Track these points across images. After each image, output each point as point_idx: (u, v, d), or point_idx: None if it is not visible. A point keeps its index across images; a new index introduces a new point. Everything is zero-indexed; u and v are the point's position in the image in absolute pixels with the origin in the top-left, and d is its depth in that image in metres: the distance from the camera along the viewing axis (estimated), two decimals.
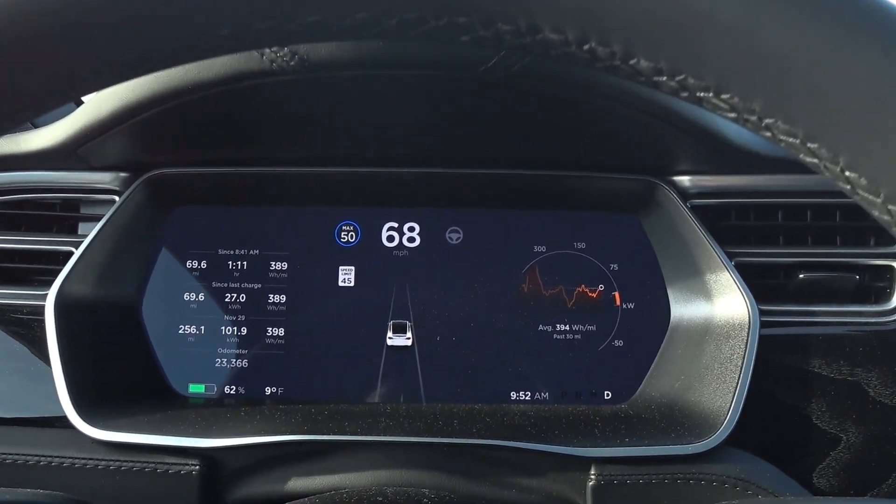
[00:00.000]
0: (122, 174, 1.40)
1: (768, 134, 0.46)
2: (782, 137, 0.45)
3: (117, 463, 1.24)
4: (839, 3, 0.42)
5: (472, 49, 1.06)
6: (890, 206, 0.44)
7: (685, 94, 0.46)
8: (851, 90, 0.41)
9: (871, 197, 0.44)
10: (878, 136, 0.42)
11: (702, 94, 0.45)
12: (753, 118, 0.45)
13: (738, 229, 1.39)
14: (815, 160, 0.45)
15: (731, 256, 1.33)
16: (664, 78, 0.45)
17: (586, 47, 0.45)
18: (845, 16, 0.42)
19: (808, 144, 0.44)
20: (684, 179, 1.38)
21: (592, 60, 0.46)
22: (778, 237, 1.39)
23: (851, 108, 0.42)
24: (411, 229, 1.46)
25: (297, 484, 1.27)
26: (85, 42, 0.46)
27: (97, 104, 1.23)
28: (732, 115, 0.46)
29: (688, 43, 0.43)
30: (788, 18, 0.42)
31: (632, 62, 0.45)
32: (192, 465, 1.24)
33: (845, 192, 0.46)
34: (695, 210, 1.36)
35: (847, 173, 0.44)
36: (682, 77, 0.45)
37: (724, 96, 0.45)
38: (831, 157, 0.44)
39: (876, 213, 0.45)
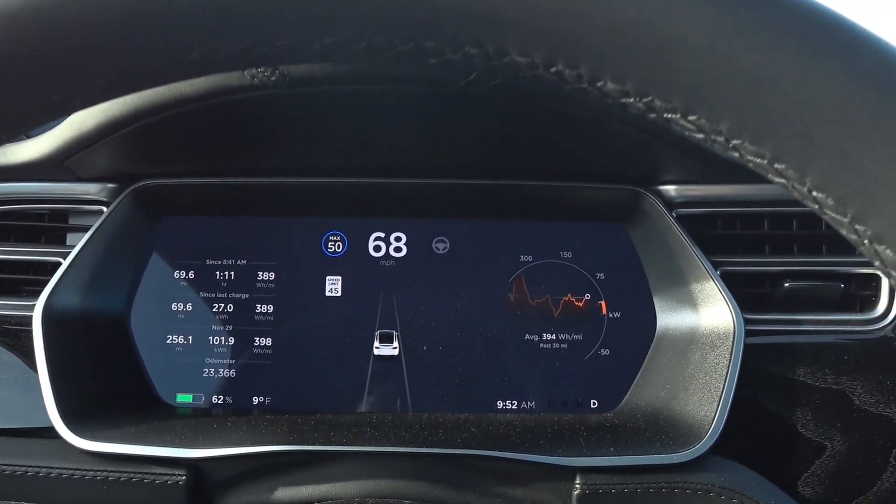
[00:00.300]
0: (110, 185, 1.40)
1: (736, 154, 0.46)
2: (749, 158, 0.46)
3: (105, 473, 1.24)
4: (805, 26, 0.42)
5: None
6: (857, 226, 0.44)
7: (653, 115, 0.47)
8: (817, 112, 0.42)
9: (838, 217, 0.45)
10: (843, 157, 0.42)
11: (669, 116, 0.46)
12: (721, 139, 0.45)
13: (723, 238, 1.39)
14: (783, 180, 0.46)
15: (716, 265, 1.34)
16: (631, 99, 0.46)
17: (553, 70, 0.46)
18: (811, 38, 0.42)
19: (776, 165, 0.45)
20: (670, 189, 1.38)
21: (560, 83, 0.46)
22: (764, 246, 1.40)
23: (817, 129, 0.42)
24: (398, 239, 1.46)
25: (283, 494, 1.27)
26: (57, 67, 0.46)
27: (82, 117, 1.23)
28: (700, 135, 0.46)
29: (654, 65, 0.44)
30: (754, 42, 0.42)
31: (598, 84, 0.46)
32: (180, 475, 1.24)
33: (813, 210, 0.46)
34: (680, 219, 1.36)
35: (814, 193, 0.45)
36: (648, 99, 0.45)
37: (691, 118, 0.45)
38: (798, 178, 0.44)
39: (844, 232, 0.46)
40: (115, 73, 0.48)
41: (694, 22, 0.42)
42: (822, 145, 0.43)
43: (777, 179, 0.46)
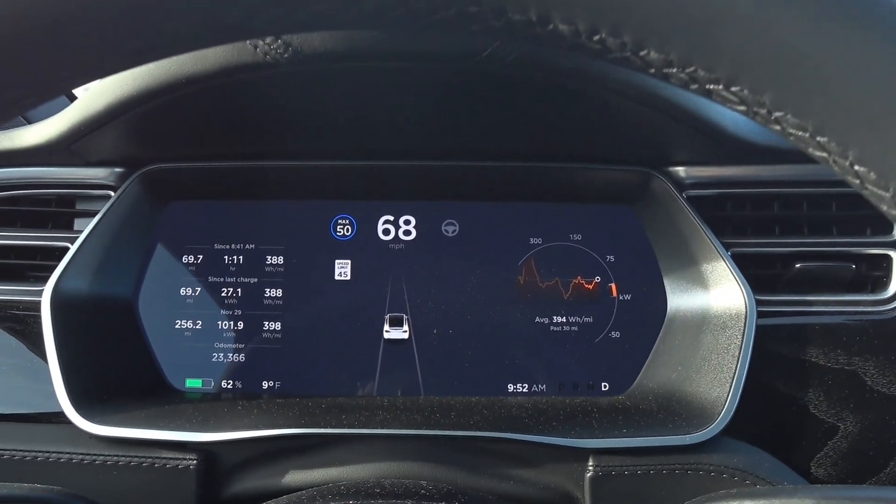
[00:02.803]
0: (118, 169, 1.39)
1: (777, 127, 0.46)
2: (791, 131, 0.45)
3: (115, 458, 1.24)
4: None
5: (467, 40, 1.06)
6: None
7: (695, 87, 0.46)
8: (863, 84, 0.41)
9: (880, 192, 0.44)
10: (888, 130, 0.42)
11: (711, 87, 0.45)
12: (763, 111, 0.45)
13: (734, 219, 1.39)
14: (824, 154, 0.45)
15: (727, 247, 1.33)
16: (674, 70, 0.45)
17: (596, 38, 0.45)
18: (859, 9, 0.42)
19: (818, 138, 0.44)
20: (680, 170, 1.38)
21: (603, 52, 0.46)
22: (774, 227, 1.39)
23: (862, 102, 0.42)
24: (407, 222, 1.46)
25: (294, 477, 1.27)
26: (90, 30, 0.46)
27: (90, 99, 1.22)
28: (742, 107, 0.46)
29: (699, 35, 0.43)
30: (801, 11, 0.41)
31: (642, 54, 0.45)
32: (190, 459, 1.24)
33: (853, 186, 0.46)
34: (691, 201, 1.36)
35: (856, 167, 0.44)
36: (692, 69, 0.45)
37: (734, 89, 0.45)
38: (840, 152, 0.44)
39: (885, 208, 0.45)
40: (152, 35, 0.47)
41: None
42: (867, 119, 0.42)
43: (818, 153, 0.45)
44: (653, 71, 0.46)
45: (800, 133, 0.45)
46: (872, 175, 0.44)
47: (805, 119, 0.44)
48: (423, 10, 0.46)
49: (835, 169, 0.46)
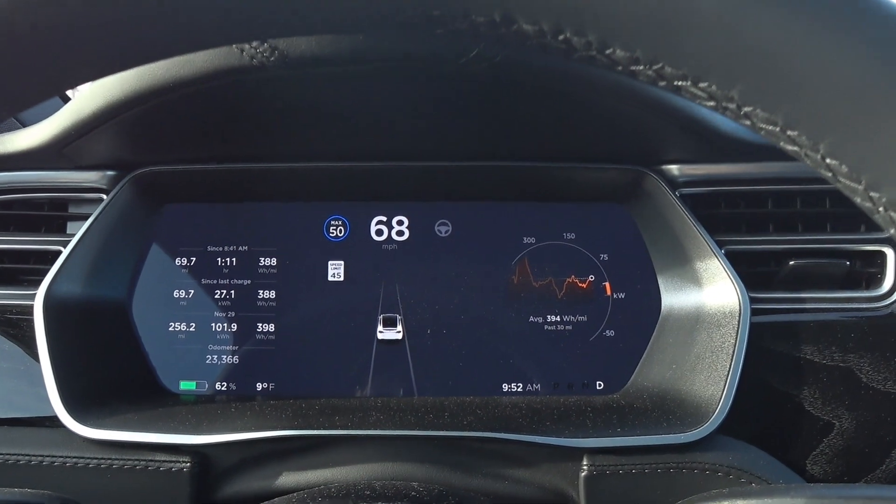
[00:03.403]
0: (110, 173, 1.39)
1: (747, 122, 0.45)
2: (762, 125, 0.45)
3: (108, 461, 1.24)
4: None
5: (453, 41, 1.06)
6: (871, 193, 0.44)
7: (663, 83, 0.46)
8: (830, 77, 0.41)
9: (852, 184, 0.44)
10: (858, 123, 0.42)
11: (680, 83, 0.45)
12: (732, 106, 0.45)
13: (727, 217, 1.39)
14: (796, 148, 0.45)
15: (720, 244, 1.33)
16: (641, 67, 0.45)
17: (561, 38, 0.45)
18: (823, 3, 0.41)
19: (788, 132, 0.44)
20: (673, 168, 1.37)
21: (568, 51, 0.46)
22: (768, 224, 1.39)
23: (831, 95, 0.42)
24: (400, 223, 1.46)
25: (288, 479, 1.27)
26: (81, 31, 0.46)
27: (80, 103, 1.22)
28: (711, 103, 0.46)
29: (664, 31, 0.43)
30: (766, 5, 0.41)
31: (608, 52, 0.45)
32: (184, 462, 1.24)
33: (827, 179, 0.46)
34: (684, 199, 1.36)
35: (828, 161, 0.44)
36: (659, 66, 0.45)
37: (701, 84, 0.45)
38: (811, 145, 0.44)
39: (858, 200, 0.45)
40: (139, 41, 0.47)
41: None
42: (836, 112, 0.42)
43: (790, 147, 0.45)
44: (620, 69, 0.46)
45: (770, 127, 0.45)
46: (844, 168, 0.44)
47: (774, 113, 0.44)
48: (388, 13, 0.46)
49: (807, 162, 0.46)
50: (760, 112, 0.44)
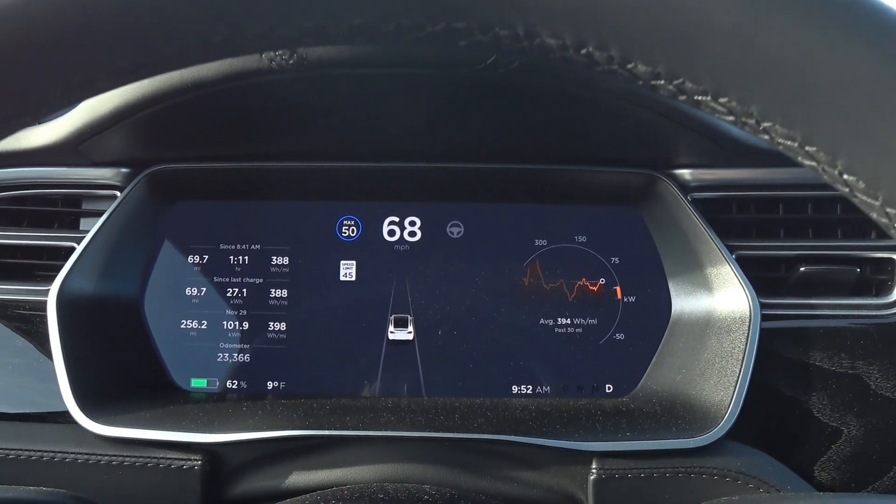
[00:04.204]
0: (124, 170, 1.39)
1: (766, 137, 0.46)
2: (780, 140, 0.45)
3: (120, 458, 1.24)
4: (837, 7, 0.42)
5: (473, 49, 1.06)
6: (888, 209, 0.44)
7: (683, 97, 0.46)
8: (849, 94, 0.41)
9: (869, 200, 0.44)
10: (875, 139, 0.42)
11: (700, 98, 0.46)
12: (751, 121, 0.45)
13: (738, 222, 1.39)
14: (814, 163, 0.45)
15: (731, 249, 1.33)
16: (662, 81, 0.46)
17: (584, 52, 0.45)
18: (843, 20, 0.42)
19: (807, 148, 0.44)
20: (685, 173, 1.38)
21: (590, 64, 0.46)
22: (779, 230, 1.39)
23: (849, 111, 0.42)
24: (412, 223, 1.46)
25: (298, 478, 1.27)
26: (80, 48, 0.46)
27: (97, 101, 1.22)
28: (730, 118, 0.46)
29: (685, 47, 0.43)
30: (786, 23, 0.41)
31: (629, 66, 0.45)
32: (195, 460, 1.24)
33: (844, 193, 0.46)
34: (695, 203, 1.36)
35: (845, 176, 0.44)
36: (679, 81, 0.45)
37: (721, 100, 0.45)
38: (829, 161, 0.44)
39: (874, 216, 0.45)
40: (140, 54, 0.47)
41: (723, 3, 0.42)
42: (854, 128, 0.42)
43: (807, 162, 0.46)
44: (640, 83, 0.46)
45: (788, 143, 0.45)
46: (861, 184, 0.44)
47: (793, 129, 0.44)
48: (412, 26, 0.46)
49: (824, 177, 0.46)
50: (779, 128, 0.44)
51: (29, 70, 0.46)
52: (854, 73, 0.41)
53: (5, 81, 0.46)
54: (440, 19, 0.45)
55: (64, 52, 0.46)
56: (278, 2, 0.45)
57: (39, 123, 1.36)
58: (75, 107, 1.29)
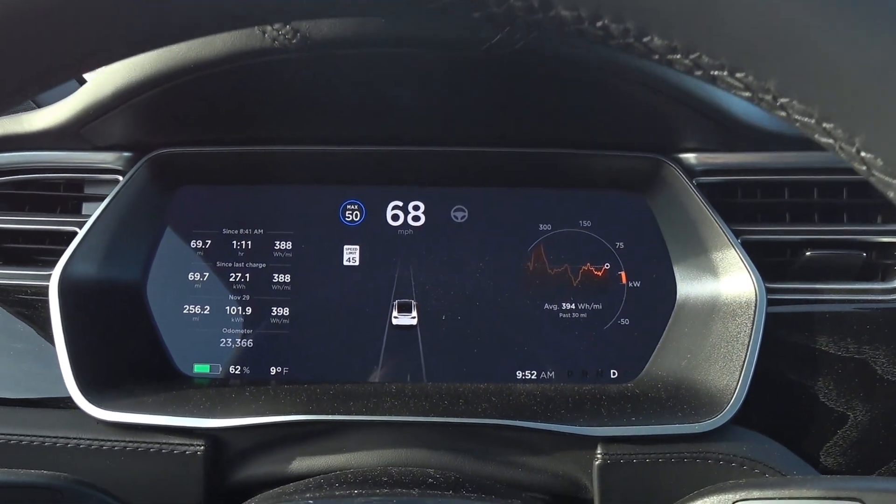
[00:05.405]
0: (126, 154, 1.39)
1: (783, 114, 0.45)
2: (797, 117, 0.45)
3: (122, 444, 1.24)
4: None
5: (475, 27, 1.06)
6: None
7: (699, 73, 0.46)
8: (868, 70, 0.41)
9: (887, 178, 0.44)
10: (895, 117, 0.41)
11: (716, 73, 0.45)
12: (768, 97, 0.44)
13: (744, 207, 1.38)
14: (831, 140, 0.45)
15: (737, 234, 1.33)
16: (678, 56, 0.45)
17: (599, 24, 0.45)
18: None
19: (824, 125, 0.44)
20: (690, 157, 1.37)
21: (606, 38, 0.45)
22: (784, 214, 1.39)
23: (868, 88, 0.41)
24: (416, 208, 1.46)
25: (302, 464, 1.27)
26: (88, 20, 0.46)
27: (99, 84, 1.22)
28: (747, 94, 0.45)
29: (703, 20, 0.43)
30: None
31: (645, 40, 0.45)
32: (198, 445, 1.24)
33: (860, 172, 0.45)
34: (701, 188, 1.35)
35: (863, 154, 0.44)
36: (696, 55, 0.44)
37: (738, 75, 0.44)
38: (847, 138, 0.43)
39: (892, 195, 0.45)
40: (147, 25, 0.47)
41: None
42: (873, 105, 0.42)
43: (825, 140, 0.45)
44: (657, 57, 0.46)
45: (805, 119, 0.44)
46: (879, 161, 0.43)
47: (811, 105, 0.43)
48: None
49: (841, 155, 0.45)
50: (797, 104, 0.44)
51: (38, 37, 0.46)
52: (874, 50, 0.41)
53: (15, 47, 0.46)
54: None
55: (74, 20, 0.45)
56: None
57: (40, 107, 1.35)
58: (76, 89, 1.28)
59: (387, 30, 1.06)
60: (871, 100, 0.41)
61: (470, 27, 1.06)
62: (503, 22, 0.46)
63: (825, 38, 0.41)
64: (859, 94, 0.42)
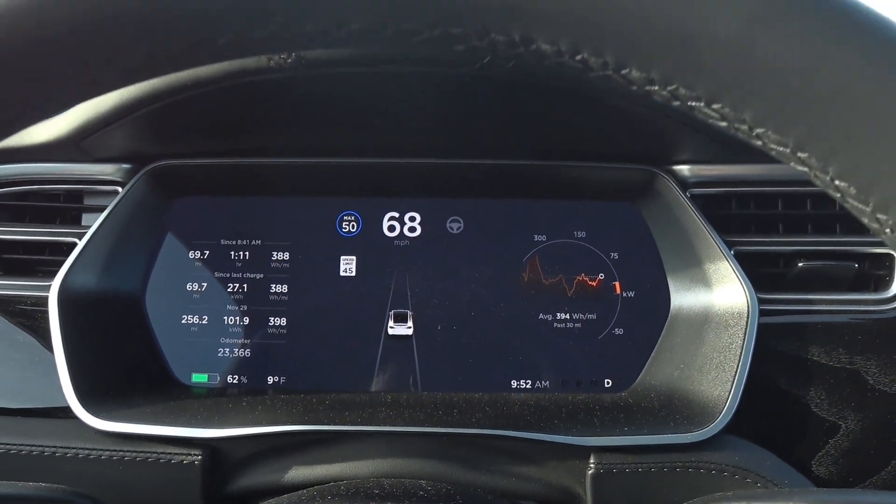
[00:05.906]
0: (125, 165, 1.40)
1: (759, 143, 0.46)
2: (773, 146, 0.46)
3: (120, 453, 1.25)
4: (829, 16, 0.42)
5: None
6: (879, 215, 0.44)
7: (677, 103, 0.47)
8: (841, 101, 0.42)
9: (860, 206, 0.45)
10: (866, 146, 0.42)
11: (693, 104, 0.46)
12: (744, 127, 0.46)
13: (737, 218, 1.39)
14: (806, 168, 0.46)
15: (730, 245, 1.34)
16: (656, 87, 0.46)
17: (579, 58, 0.46)
18: (834, 28, 0.42)
19: (799, 154, 0.45)
20: (684, 168, 1.38)
21: (585, 70, 0.46)
22: (777, 225, 1.39)
23: (841, 118, 0.42)
24: (412, 219, 1.47)
25: (298, 473, 1.28)
26: (86, 51, 0.47)
27: (99, 98, 1.22)
28: (724, 124, 0.46)
29: (680, 54, 0.44)
30: (780, 31, 0.42)
31: (623, 72, 0.46)
32: (195, 455, 1.24)
33: (836, 199, 0.46)
34: (694, 199, 1.36)
35: (837, 182, 0.45)
36: (673, 87, 0.45)
37: (715, 106, 0.45)
38: (821, 167, 0.45)
39: (865, 221, 0.46)
40: (145, 56, 0.48)
41: (718, 11, 0.42)
42: (845, 135, 0.43)
43: (800, 167, 0.46)
44: (635, 88, 0.47)
45: (781, 149, 0.46)
46: (852, 189, 0.44)
47: (785, 136, 0.44)
48: (410, 31, 0.46)
49: (817, 183, 0.46)
50: (772, 134, 0.45)
51: (37, 68, 0.47)
52: (846, 82, 0.42)
53: (14, 80, 0.46)
54: (437, 25, 0.46)
55: (72, 51, 0.46)
56: (279, 7, 0.46)
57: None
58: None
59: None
60: (843, 131, 0.42)
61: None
62: (486, 55, 0.47)
63: (798, 71, 0.42)
64: (832, 126, 0.43)
